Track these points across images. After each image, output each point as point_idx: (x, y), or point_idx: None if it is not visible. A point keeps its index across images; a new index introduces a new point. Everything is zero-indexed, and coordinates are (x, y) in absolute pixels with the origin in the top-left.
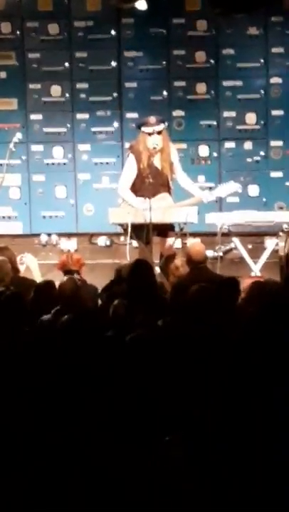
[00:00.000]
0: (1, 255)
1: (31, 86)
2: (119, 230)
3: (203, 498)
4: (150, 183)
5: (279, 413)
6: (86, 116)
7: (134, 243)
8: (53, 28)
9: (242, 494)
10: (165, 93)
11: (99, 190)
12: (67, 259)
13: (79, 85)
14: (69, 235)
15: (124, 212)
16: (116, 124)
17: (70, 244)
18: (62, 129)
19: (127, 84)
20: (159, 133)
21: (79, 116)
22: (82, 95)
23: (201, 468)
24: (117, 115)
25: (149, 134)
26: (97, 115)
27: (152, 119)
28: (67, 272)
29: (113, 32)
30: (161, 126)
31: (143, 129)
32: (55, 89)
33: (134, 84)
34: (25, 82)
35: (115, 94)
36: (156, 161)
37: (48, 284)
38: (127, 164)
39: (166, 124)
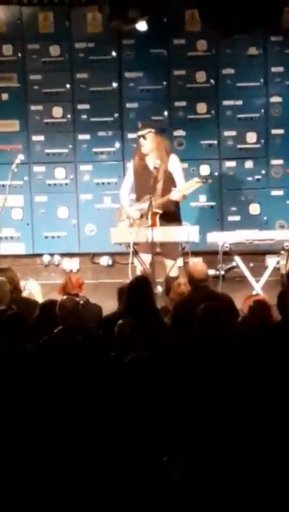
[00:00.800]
0: (3, 276)
1: (33, 107)
2: (121, 249)
3: (203, 497)
4: (140, 185)
5: (279, 413)
6: (87, 136)
7: (137, 262)
8: (54, 50)
9: (242, 493)
10: (166, 113)
11: (101, 210)
12: (67, 282)
13: (80, 106)
14: (71, 255)
15: (126, 232)
16: (117, 145)
17: (72, 264)
18: (64, 150)
19: (128, 105)
20: (144, 137)
21: (80, 136)
22: (84, 116)
23: (201, 468)
24: (119, 135)
25: (138, 137)
26: (99, 136)
27: (139, 124)
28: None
29: (114, 53)
30: (146, 131)
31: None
32: (57, 111)
33: (135, 105)
34: (27, 103)
35: (116, 115)
36: (150, 164)
37: (53, 303)
38: (128, 169)
39: (157, 130)
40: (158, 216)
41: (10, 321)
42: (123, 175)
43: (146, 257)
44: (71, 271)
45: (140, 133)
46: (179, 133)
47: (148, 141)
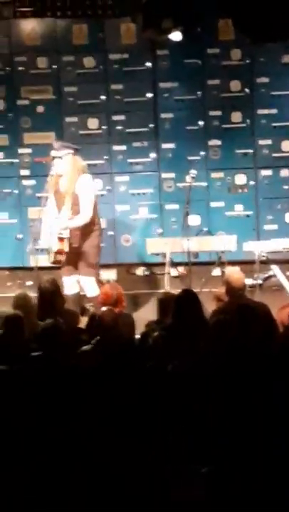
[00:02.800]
0: (48, 286)
1: (68, 119)
2: (158, 260)
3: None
4: (56, 205)
5: (279, 408)
6: (123, 147)
7: (173, 273)
8: (89, 62)
9: (243, 489)
10: (201, 123)
11: (137, 221)
12: (112, 292)
13: (115, 117)
14: (108, 266)
15: (161, 243)
16: (153, 155)
17: (109, 275)
18: (100, 161)
19: (163, 115)
20: (61, 158)
21: (116, 147)
22: (119, 127)
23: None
24: (154, 146)
25: (53, 158)
26: (134, 146)
27: (55, 143)
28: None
29: (148, 64)
30: (64, 152)
31: (51, 153)
32: (92, 122)
33: (170, 115)
34: (62, 115)
35: (151, 125)
36: (62, 186)
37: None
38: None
39: (75, 150)
40: (65, 241)
41: (47, 331)
42: (159, 185)
43: (68, 280)
44: (108, 281)
45: (58, 154)
46: (214, 142)
47: (63, 163)
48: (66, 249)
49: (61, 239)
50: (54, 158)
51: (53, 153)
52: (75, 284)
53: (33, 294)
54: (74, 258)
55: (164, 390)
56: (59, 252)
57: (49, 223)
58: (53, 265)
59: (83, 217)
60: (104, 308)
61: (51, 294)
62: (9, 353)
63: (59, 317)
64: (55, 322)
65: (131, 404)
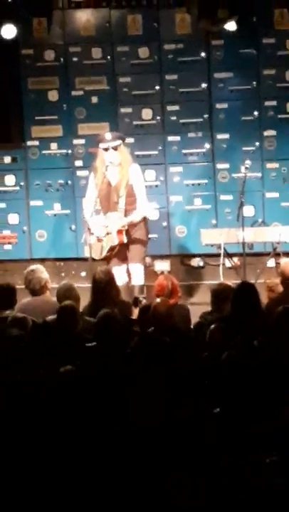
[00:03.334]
0: (103, 276)
1: (122, 110)
2: (213, 250)
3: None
4: (104, 199)
5: None
6: (177, 138)
7: (228, 264)
8: (143, 52)
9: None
10: (256, 113)
11: (191, 212)
12: (167, 283)
13: (170, 108)
14: (162, 257)
15: (216, 233)
16: (207, 145)
17: (163, 266)
18: (154, 152)
19: (218, 106)
20: (115, 149)
21: (170, 138)
22: (173, 117)
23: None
24: (208, 136)
25: (105, 150)
26: (188, 137)
27: (108, 135)
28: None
29: (203, 54)
30: (118, 142)
31: (100, 145)
32: (146, 113)
33: (224, 105)
34: (117, 106)
35: (206, 116)
36: (112, 178)
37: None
38: (89, 181)
39: (125, 141)
40: (124, 233)
41: (103, 320)
42: (213, 176)
43: (118, 270)
44: (162, 272)
45: (113, 144)
46: (270, 133)
47: (117, 153)
48: (125, 240)
49: (120, 231)
50: (107, 149)
51: (105, 144)
52: (124, 274)
53: (86, 285)
54: (123, 248)
55: (219, 380)
56: (119, 245)
57: (93, 217)
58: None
59: (145, 209)
60: (157, 300)
61: (106, 284)
62: (64, 343)
63: (113, 307)
64: (111, 312)
65: (186, 394)
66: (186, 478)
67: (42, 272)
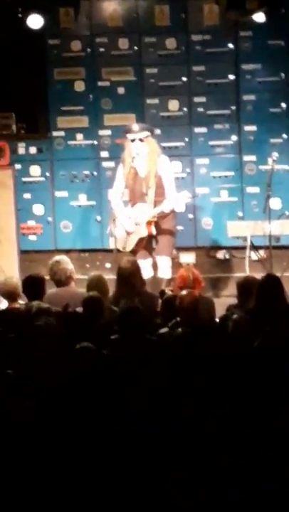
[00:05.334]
0: (129, 266)
1: (149, 101)
2: (239, 243)
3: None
4: (132, 190)
5: None
6: (204, 130)
7: (254, 256)
8: (171, 43)
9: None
10: (284, 105)
11: (217, 204)
12: (188, 275)
13: (196, 99)
14: (188, 249)
15: (243, 226)
16: (234, 138)
17: (188, 258)
18: (180, 143)
19: (245, 97)
20: (142, 140)
21: (197, 130)
22: (200, 109)
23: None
24: (235, 128)
25: (132, 141)
26: (215, 128)
27: (135, 126)
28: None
29: (231, 45)
30: (145, 134)
31: (127, 135)
32: (173, 104)
33: (252, 97)
34: (143, 97)
35: (233, 108)
36: (140, 169)
37: (173, 297)
38: (117, 173)
39: (153, 133)
40: (153, 224)
41: (128, 313)
42: (240, 168)
43: (144, 263)
44: (187, 264)
45: (139, 136)
46: None
47: (145, 145)
48: (154, 232)
49: (150, 223)
50: (134, 140)
51: (132, 135)
52: (150, 267)
53: (111, 276)
54: (151, 241)
55: (247, 370)
56: (148, 236)
57: (120, 209)
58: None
59: (176, 199)
60: (184, 292)
61: (130, 275)
62: (89, 334)
63: (138, 299)
64: (135, 304)
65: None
66: (186, 478)
67: (67, 262)
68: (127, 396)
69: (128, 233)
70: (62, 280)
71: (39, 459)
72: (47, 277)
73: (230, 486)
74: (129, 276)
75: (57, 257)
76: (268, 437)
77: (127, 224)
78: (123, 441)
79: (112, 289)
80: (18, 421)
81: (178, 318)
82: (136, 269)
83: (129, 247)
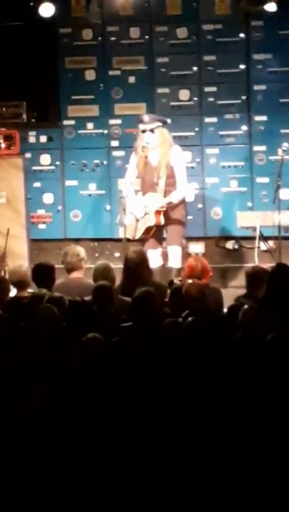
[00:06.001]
0: (135, 256)
1: (160, 90)
2: (248, 233)
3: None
4: (144, 180)
5: None
6: (214, 119)
7: (263, 247)
8: (182, 32)
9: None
10: None
11: (227, 194)
12: (196, 264)
13: (207, 89)
14: (197, 239)
15: (252, 216)
16: (244, 127)
17: (197, 248)
18: (191, 133)
19: (256, 87)
20: (152, 131)
21: (207, 119)
22: (211, 99)
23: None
24: (246, 118)
25: (143, 132)
26: (226, 118)
27: (146, 117)
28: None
29: (242, 35)
30: (155, 125)
31: (139, 126)
32: (184, 93)
33: (263, 87)
34: (154, 86)
35: (244, 97)
36: (152, 159)
37: (180, 288)
38: (130, 161)
39: (165, 123)
40: (162, 214)
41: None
42: (250, 158)
43: (153, 253)
44: (196, 254)
45: (149, 127)
46: None
47: (155, 136)
48: (162, 222)
49: (159, 212)
50: (144, 131)
51: (143, 126)
52: (159, 257)
53: (120, 266)
54: (160, 230)
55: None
56: (156, 226)
57: (130, 197)
58: (137, 239)
59: (186, 190)
60: (189, 281)
61: (137, 264)
62: (99, 323)
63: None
64: (148, 292)
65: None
66: (186, 478)
67: (81, 250)
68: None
69: (137, 220)
70: (73, 262)
71: (40, 457)
72: (57, 266)
73: (230, 486)
74: (135, 267)
75: (71, 246)
76: (268, 437)
77: (136, 210)
78: (123, 441)
79: (120, 278)
80: (29, 410)
81: (187, 311)
82: (143, 259)
83: (138, 235)
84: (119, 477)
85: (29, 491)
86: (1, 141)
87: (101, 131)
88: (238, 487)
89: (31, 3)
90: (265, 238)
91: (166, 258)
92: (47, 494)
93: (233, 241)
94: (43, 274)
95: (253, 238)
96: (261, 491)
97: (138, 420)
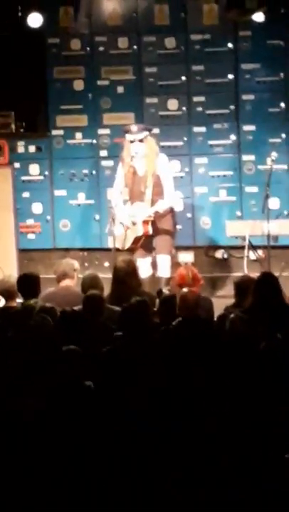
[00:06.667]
0: (124, 266)
1: (148, 100)
2: (237, 242)
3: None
4: (131, 189)
5: None
6: (203, 129)
7: (252, 256)
8: (170, 42)
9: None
10: (283, 105)
11: (216, 203)
12: (187, 273)
13: (196, 98)
14: (186, 248)
15: (241, 225)
16: (233, 137)
17: (187, 257)
18: (179, 143)
19: (244, 97)
20: (141, 141)
21: (196, 129)
22: (199, 108)
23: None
24: (234, 128)
25: (131, 142)
26: (214, 128)
27: (134, 127)
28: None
29: (230, 45)
30: (143, 134)
31: (126, 136)
32: (172, 103)
33: (251, 97)
34: (143, 96)
35: (232, 107)
36: (139, 168)
37: (173, 297)
38: (117, 172)
39: (151, 132)
40: (150, 223)
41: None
42: (239, 168)
43: (142, 262)
44: (186, 264)
45: (138, 137)
46: None
47: (144, 145)
48: (150, 232)
49: (146, 222)
50: (133, 141)
51: (131, 136)
52: (149, 266)
53: (109, 275)
54: (149, 240)
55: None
56: (144, 235)
57: (119, 207)
58: (126, 249)
59: (172, 199)
60: (185, 289)
61: (125, 274)
62: (90, 334)
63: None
64: (141, 301)
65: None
66: (186, 478)
67: (75, 263)
68: (127, 396)
69: (125, 229)
70: (66, 272)
71: (39, 459)
72: (46, 276)
73: (230, 486)
74: (125, 276)
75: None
76: (268, 437)
77: (124, 219)
78: (123, 442)
79: (109, 288)
80: (18, 421)
81: (180, 318)
82: (132, 269)
83: (127, 245)
84: (119, 477)
85: (29, 491)
86: None
87: (90, 141)
88: (238, 487)
89: (19, 14)
90: (254, 247)
91: (156, 267)
92: (47, 494)
93: (223, 250)
94: (28, 284)
95: (242, 247)
96: (261, 491)
97: (138, 420)
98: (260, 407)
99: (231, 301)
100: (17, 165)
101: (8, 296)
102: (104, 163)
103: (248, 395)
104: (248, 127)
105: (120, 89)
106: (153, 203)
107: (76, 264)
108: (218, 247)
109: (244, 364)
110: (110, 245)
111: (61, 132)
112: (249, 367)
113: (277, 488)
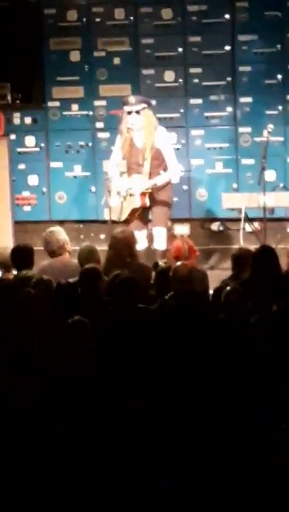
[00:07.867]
0: (122, 236)
1: (144, 72)
2: (233, 215)
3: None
4: (129, 162)
5: None
6: (199, 101)
7: (248, 228)
8: (167, 13)
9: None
10: (280, 77)
11: (212, 176)
12: (183, 245)
13: (192, 70)
14: (182, 220)
15: (237, 198)
16: (229, 109)
17: (183, 230)
18: (176, 115)
19: (241, 68)
20: (138, 112)
21: (192, 101)
22: (196, 80)
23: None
24: (231, 100)
25: (129, 113)
26: (211, 100)
27: (132, 98)
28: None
29: (227, 16)
30: (141, 106)
31: (124, 107)
32: (169, 75)
33: (248, 68)
34: (139, 67)
35: (229, 79)
36: (137, 141)
37: (168, 269)
38: (115, 143)
39: (150, 105)
40: (147, 195)
41: (123, 283)
42: (235, 140)
43: (138, 234)
44: (182, 236)
45: (135, 108)
46: None
47: (141, 117)
48: (148, 204)
49: (144, 194)
50: (130, 112)
51: (128, 107)
52: (144, 238)
53: (105, 247)
54: (145, 212)
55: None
56: (141, 207)
57: (115, 179)
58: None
59: (175, 171)
60: (179, 263)
61: (124, 246)
62: (86, 306)
63: (131, 270)
64: (130, 276)
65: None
66: (185, 477)
67: (60, 233)
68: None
69: (123, 198)
70: (54, 250)
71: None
72: (41, 248)
73: (231, 486)
74: (122, 247)
75: (51, 228)
76: (268, 436)
77: (121, 190)
78: (123, 440)
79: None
80: (19, 398)
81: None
82: (130, 240)
83: (123, 217)
84: (119, 477)
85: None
86: None
87: (86, 112)
88: (239, 487)
89: None
90: (250, 220)
91: (151, 240)
92: (43, 491)
93: (219, 223)
94: (21, 256)
95: (238, 220)
96: (261, 491)
97: (138, 420)
98: (258, 402)
99: (227, 272)
100: (13, 136)
101: (4, 267)
102: (100, 135)
103: (239, 368)
104: (245, 99)
105: (117, 61)
106: (151, 175)
107: (61, 235)
108: (214, 220)
109: (236, 336)
110: (106, 217)
111: (57, 104)
112: (240, 339)
113: (278, 488)
